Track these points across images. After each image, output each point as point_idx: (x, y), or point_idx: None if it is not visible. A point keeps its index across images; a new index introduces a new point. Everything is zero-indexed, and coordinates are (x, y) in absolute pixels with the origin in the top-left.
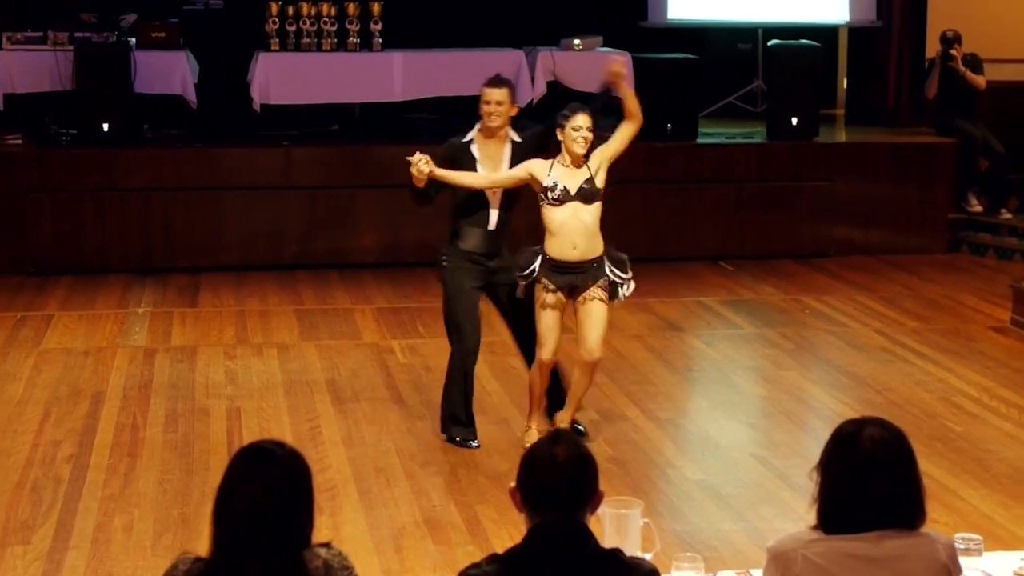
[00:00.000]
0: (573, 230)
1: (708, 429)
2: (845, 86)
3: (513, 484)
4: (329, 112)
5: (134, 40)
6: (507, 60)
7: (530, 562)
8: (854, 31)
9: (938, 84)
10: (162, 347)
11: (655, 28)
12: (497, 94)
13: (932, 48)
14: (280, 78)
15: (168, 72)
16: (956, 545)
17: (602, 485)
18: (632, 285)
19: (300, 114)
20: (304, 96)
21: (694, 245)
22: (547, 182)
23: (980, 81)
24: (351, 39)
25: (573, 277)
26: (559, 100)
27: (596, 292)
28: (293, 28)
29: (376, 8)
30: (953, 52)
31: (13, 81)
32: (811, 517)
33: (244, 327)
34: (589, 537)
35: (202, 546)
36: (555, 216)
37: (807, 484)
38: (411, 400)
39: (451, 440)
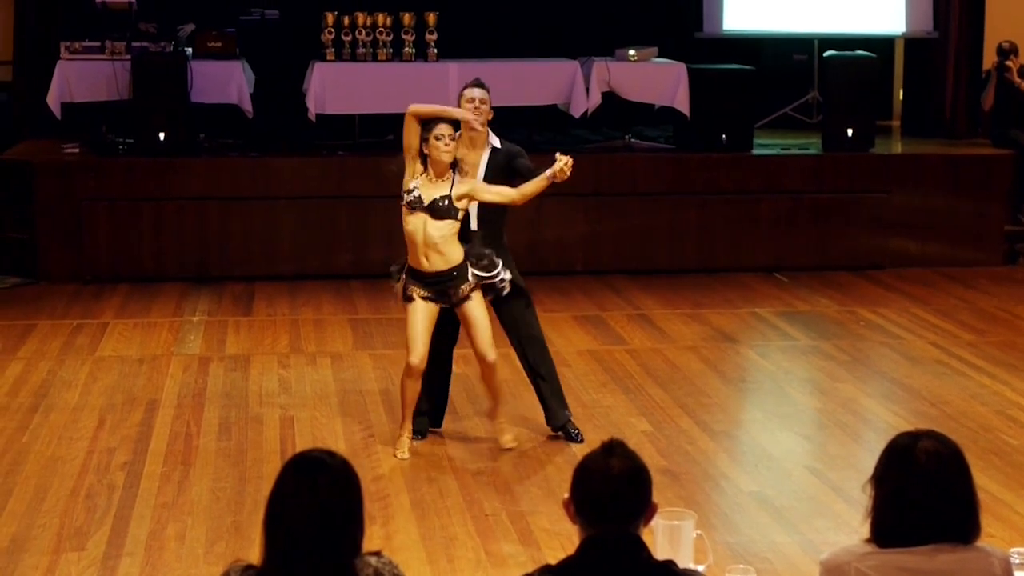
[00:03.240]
0: (422, 241)
1: (762, 441)
2: (901, 97)
3: (567, 495)
4: (384, 122)
5: (191, 50)
6: (562, 70)
7: (583, 573)
8: (910, 42)
9: (995, 95)
10: (216, 355)
11: (711, 39)
12: (482, 93)
13: (989, 59)
14: (335, 88)
15: (224, 82)
16: (1011, 560)
17: (655, 497)
18: (504, 275)
19: (355, 124)
20: (359, 106)
21: (749, 256)
22: (409, 184)
23: None
24: (406, 49)
25: (438, 286)
26: (613, 111)
27: (464, 293)
28: (349, 38)
29: (432, 18)
30: (1009, 63)
31: (71, 90)
32: (865, 530)
33: (298, 336)
34: (642, 549)
35: (254, 554)
36: (407, 224)
37: (861, 497)
38: (464, 410)
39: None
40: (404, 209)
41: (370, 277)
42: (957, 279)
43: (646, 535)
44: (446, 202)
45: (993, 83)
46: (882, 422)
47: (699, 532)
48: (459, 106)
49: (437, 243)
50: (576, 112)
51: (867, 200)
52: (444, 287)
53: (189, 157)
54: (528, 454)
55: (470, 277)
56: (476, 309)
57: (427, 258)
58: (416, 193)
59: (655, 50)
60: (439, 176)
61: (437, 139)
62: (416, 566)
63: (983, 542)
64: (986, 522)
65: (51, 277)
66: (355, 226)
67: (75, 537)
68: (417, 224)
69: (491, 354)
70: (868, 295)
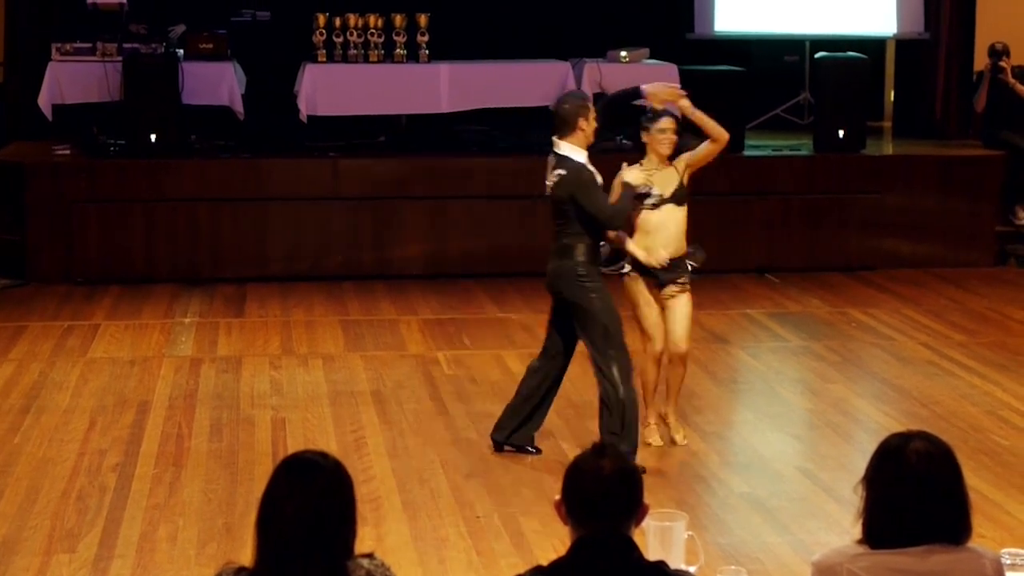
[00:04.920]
0: (667, 232)
1: (753, 442)
2: (892, 98)
3: (558, 496)
4: (376, 123)
5: (182, 51)
6: (554, 72)
7: (574, 574)
8: (902, 43)
9: (987, 96)
10: (208, 357)
11: (702, 40)
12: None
13: (980, 60)
14: (327, 89)
15: (216, 83)
16: (1002, 560)
17: (647, 498)
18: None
19: (347, 125)
20: (351, 107)
21: (740, 257)
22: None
23: None
24: (398, 50)
25: (661, 275)
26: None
27: (676, 288)
28: (340, 39)
29: (423, 20)
30: (1002, 64)
31: (62, 92)
32: (857, 531)
33: (290, 337)
34: (633, 550)
35: (246, 556)
36: (651, 219)
37: (853, 497)
38: (456, 411)
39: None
40: (645, 211)
41: (361, 278)
42: (948, 280)
43: (637, 536)
44: (681, 189)
45: (986, 84)
46: (873, 422)
47: (690, 533)
48: (651, 134)
49: (681, 228)
50: None
51: (858, 201)
52: (664, 275)
53: (180, 158)
54: (519, 456)
55: (687, 271)
56: (685, 301)
57: (666, 247)
58: (656, 192)
59: (646, 51)
60: (664, 166)
61: (661, 132)
62: (408, 567)
63: (974, 543)
64: (977, 522)
65: (42, 278)
66: (346, 227)
67: (66, 539)
68: (661, 216)
69: (685, 344)
70: (859, 296)
